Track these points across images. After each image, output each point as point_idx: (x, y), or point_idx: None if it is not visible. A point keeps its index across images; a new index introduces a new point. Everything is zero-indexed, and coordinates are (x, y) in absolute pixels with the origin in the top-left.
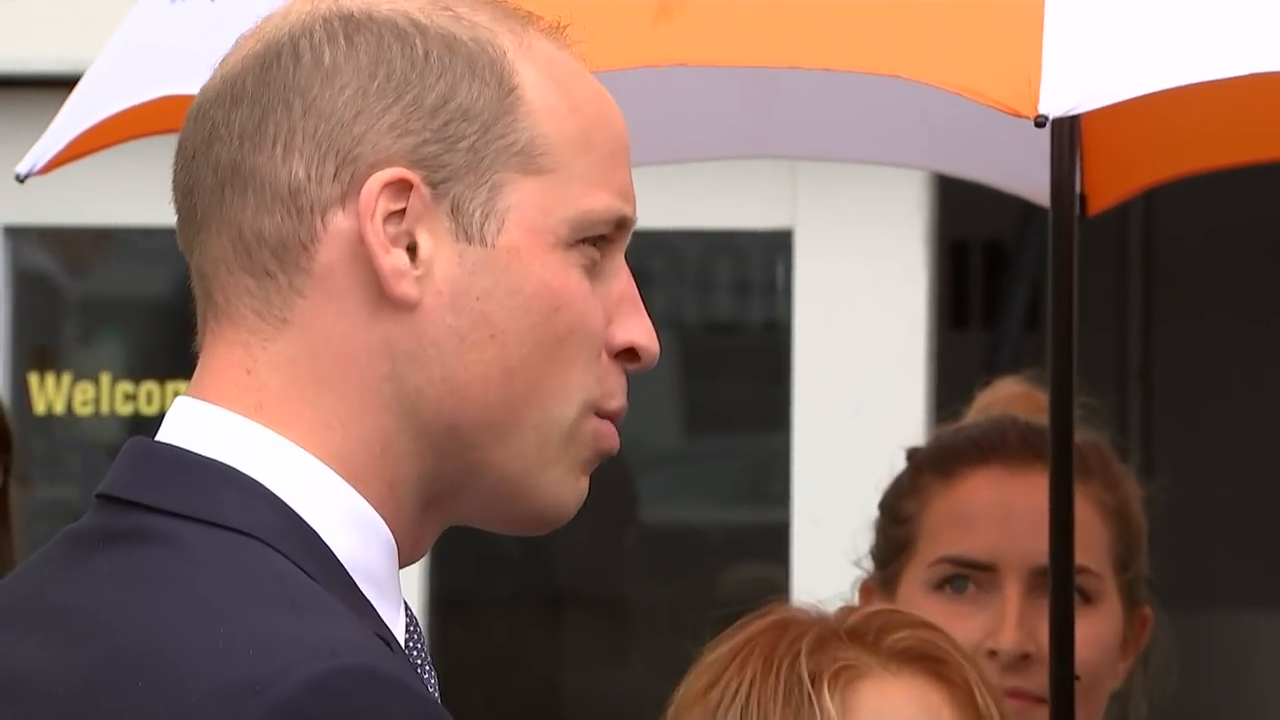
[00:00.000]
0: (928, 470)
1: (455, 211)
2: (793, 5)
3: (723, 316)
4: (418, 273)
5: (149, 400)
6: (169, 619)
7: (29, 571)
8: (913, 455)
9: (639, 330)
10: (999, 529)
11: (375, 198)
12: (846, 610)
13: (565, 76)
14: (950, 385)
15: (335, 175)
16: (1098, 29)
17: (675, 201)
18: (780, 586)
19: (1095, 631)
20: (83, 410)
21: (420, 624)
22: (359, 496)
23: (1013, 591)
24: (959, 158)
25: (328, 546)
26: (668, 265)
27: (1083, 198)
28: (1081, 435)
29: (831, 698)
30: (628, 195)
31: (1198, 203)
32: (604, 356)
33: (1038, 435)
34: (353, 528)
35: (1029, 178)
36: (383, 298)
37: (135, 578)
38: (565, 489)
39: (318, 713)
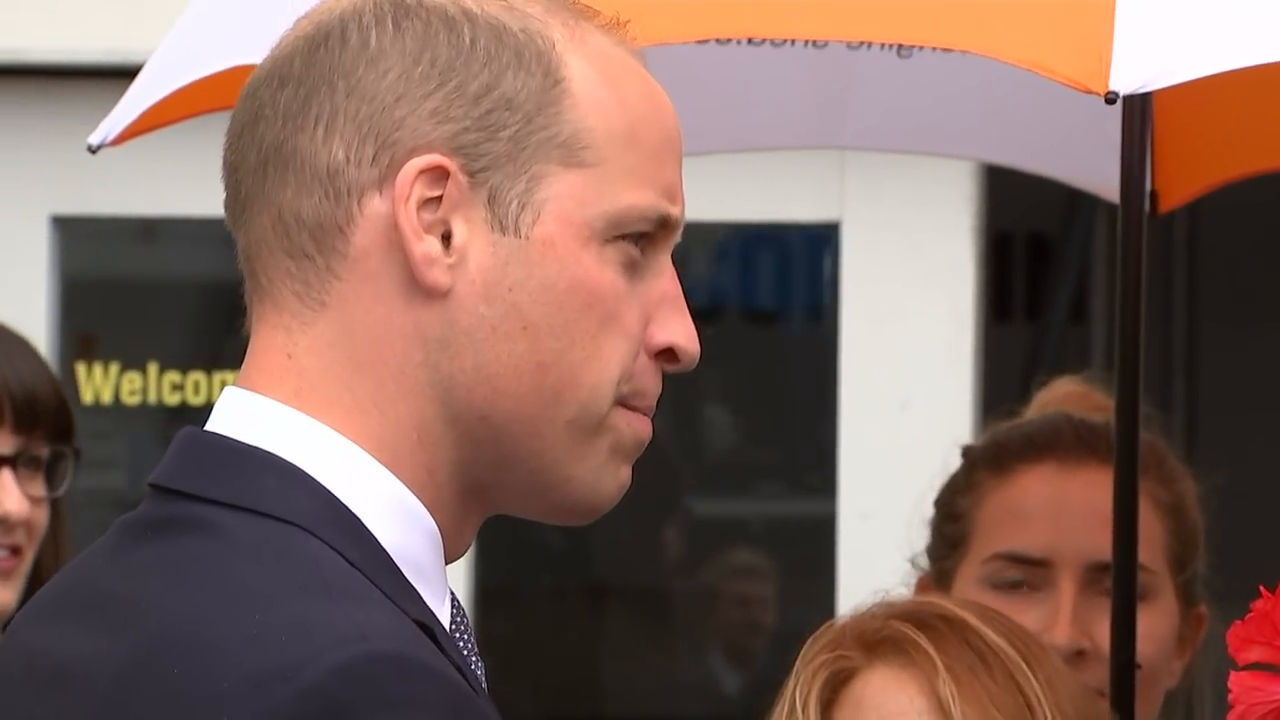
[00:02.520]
0: (982, 467)
1: (492, 201)
2: None
3: (769, 309)
4: (450, 260)
5: (196, 390)
6: (207, 606)
7: (85, 560)
8: (968, 453)
9: (679, 330)
10: (1053, 525)
11: (411, 183)
12: (874, 609)
13: (616, 71)
14: (995, 378)
15: (374, 158)
16: (1170, 6)
17: (722, 194)
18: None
19: (1150, 628)
20: (130, 400)
21: (467, 614)
22: (400, 484)
23: (1067, 587)
24: (1028, 151)
25: (371, 533)
26: (714, 257)
27: (1153, 194)
28: (1148, 440)
29: (814, 703)
30: (674, 194)
31: (1241, 199)
32: (642, 356)
33: (1092, 432)
34: (395, 514)
35: (1099, 172)
36: (415, 284)
37: (177, 566)
38: (602, 481)
39: (346, 698)
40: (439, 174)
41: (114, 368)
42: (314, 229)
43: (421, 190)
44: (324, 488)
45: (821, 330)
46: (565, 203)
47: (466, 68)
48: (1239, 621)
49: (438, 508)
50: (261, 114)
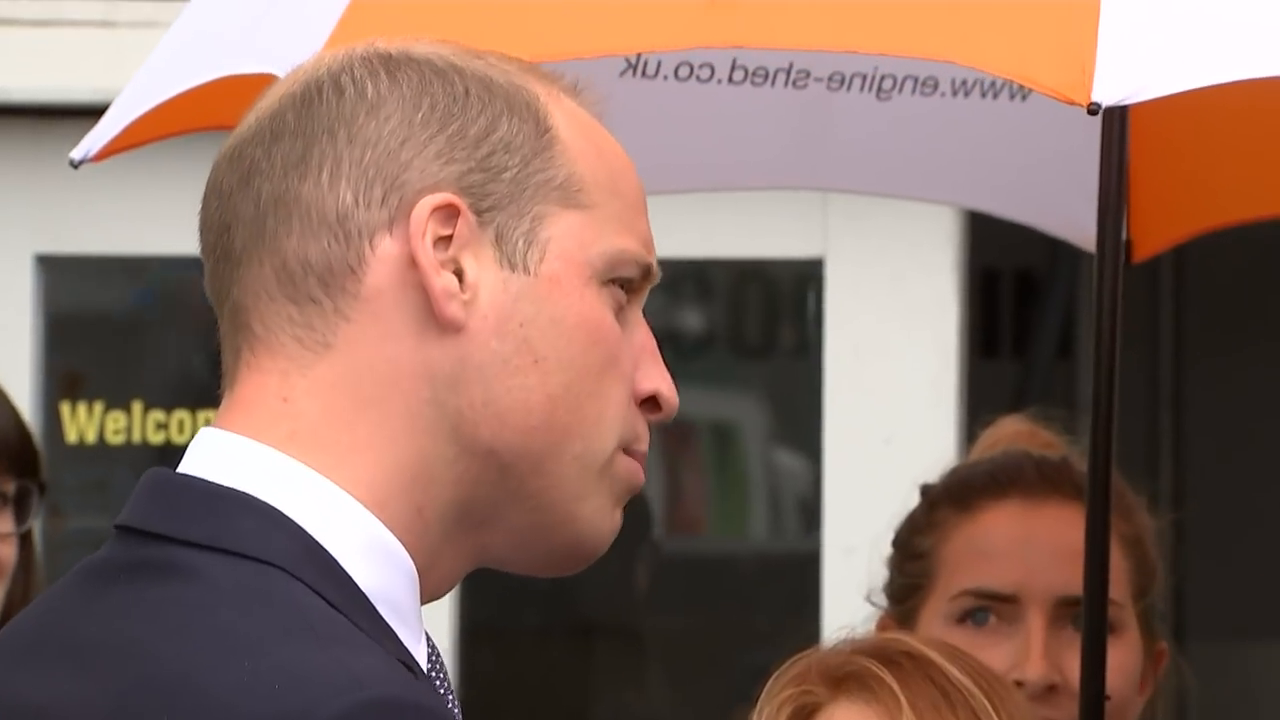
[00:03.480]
0: (945, 505)
1: (499, 239)
2: None
3: (753, 345)
4: (465, 297)
5: (180, 429)
6: (193, 650)
7: (47, 604)
8: (926, 492)
9: (662, 381)
10: (1020, 561)
11: (425, 220)
12: (842, 645)
13: (589, 128)
14: (981, 414)
15: (383, 200)
16: (1154, 19)
17: (706, 231)
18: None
19: (1120, 661)
20: (114, 439)
21: (444, 654)
22: (381, 525)
23: (1036, 623)
24: (1003, 197)
25: (348, 574)
26: (698, 294)
27: (1128, 243)
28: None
29: None
30: (650, 247)
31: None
32: (631, 403)
33: (1054, 468)
34: (374, 556)
35: (1074, 221)
36: (428, 321)
37: (157, 609)
38: (602, 520)
39: None
40: (450, 212)
41: (98, 407)
42: (323, 273)
43: (435, 228)
44: (301, 528)
45: (805, 366)
46: (567, 242)
47: (464, 113)
48: None
49: (421, 547)
50: (256, 169)
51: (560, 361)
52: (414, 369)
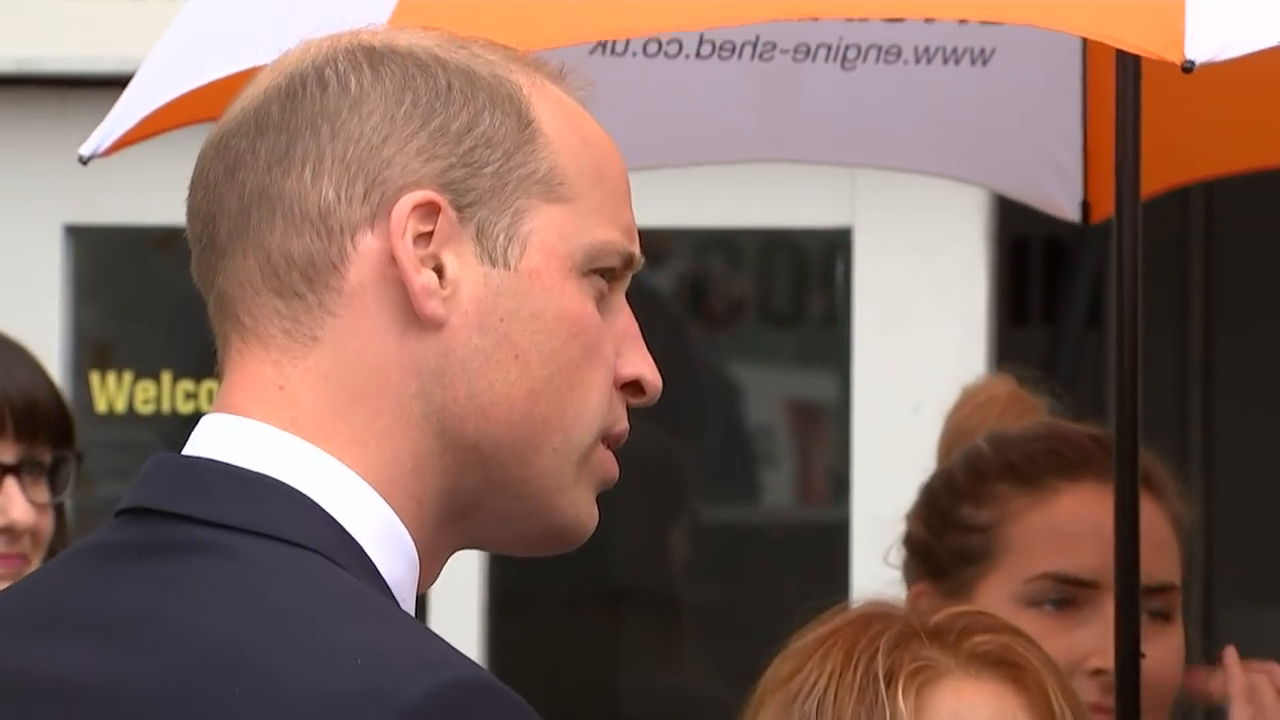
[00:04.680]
0: (1003, 480)
1: (480, 235)
2: None
3: (781, 314)
4: (445, 293)
5: (210, 398)
6: (252, 627)
7: (44, 582)
8: (977, 462)
9: (644, 365)
10: (1102, 546)
11: (406, 218)
12: (932, 608)
13: (573, 116)
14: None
15: (365, 197)
16: None
17: (734, 200)
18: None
19: (1178, 648)
20: (144, 409)
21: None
22: (393, 513)
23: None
24: (965, 162)
25: (371, 559)
26: (726, 264)
27: (1085, 205)
28: (1146, 454)
29: (905, 698)
30: (632, 234)
31: (1259, 202)
32: (612, 387)
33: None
34: (389, 545)
35: (1031, 182)
36: (410, 317)
37: (198, 586)
38: (580, 510)
39: None
40: (430, 209)
41: (128, 376)
42: (305, 268)
43: (415, 225)
44: (328, 513)
45: (834, 335)
46: (548, 235)
47: (446, 108)
48: None
49: (420, 537)
50: (240, 161)
51: (541, 355)
52: (400, 363)
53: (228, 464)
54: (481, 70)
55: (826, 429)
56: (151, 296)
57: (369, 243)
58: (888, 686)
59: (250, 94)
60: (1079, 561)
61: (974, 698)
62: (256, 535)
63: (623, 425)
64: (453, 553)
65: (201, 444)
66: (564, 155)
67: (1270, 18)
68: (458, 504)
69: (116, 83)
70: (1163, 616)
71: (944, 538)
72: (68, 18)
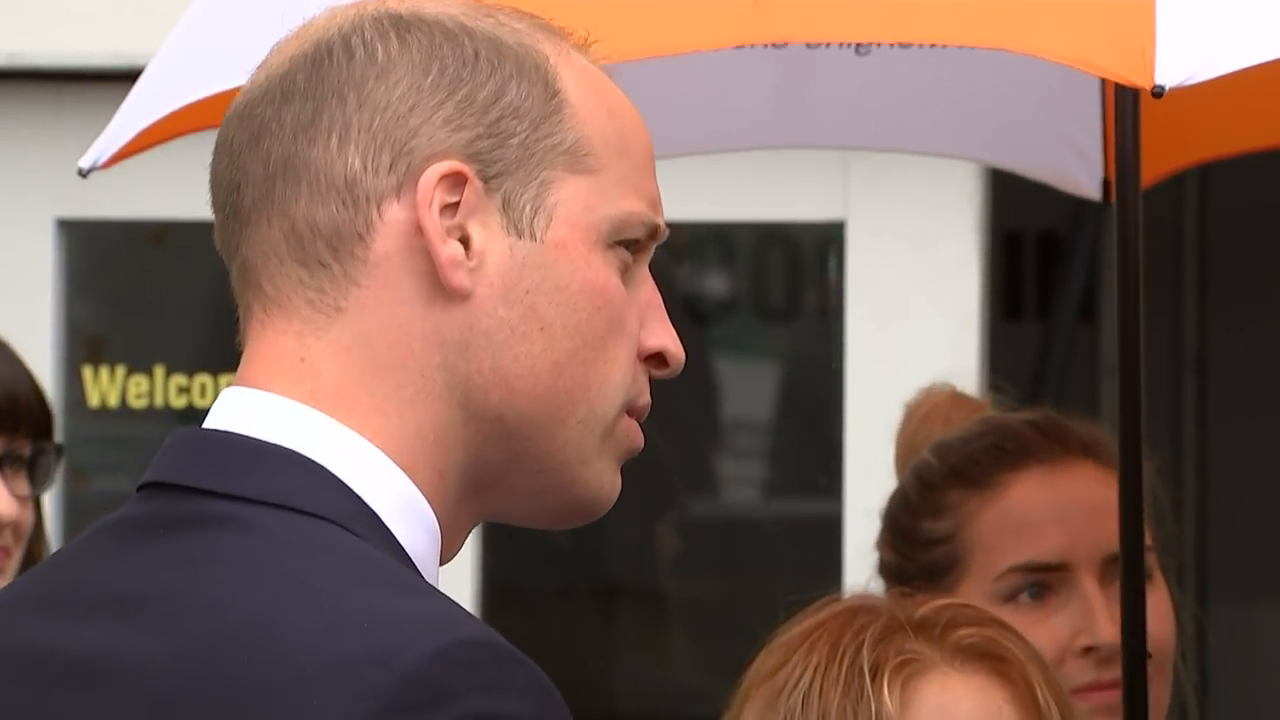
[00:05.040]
0: (953, 487)
1: (506, 206)
2: None
3: (775, 308)
4: (471, 264)
5: (202, 393)
6: (265, 598)
7: (66, 560)
8: (924, 475)
9: (667, 337)
10: (1061, 527)
11: (433, 189)
12: (918, 600)
13: (599, 86)
14: (1004, 377)
15: (391, 166)
16: None
17: (728, 193)
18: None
19: (1164, 607)
20: (136, 403)
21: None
22: (413, 485)
23: (1091, 586)
24: (982, 144)
25: (390, 531)
26: (719, 257)
27: (1105, 183)
28: (1090, 427)
29: (890, 691)
30: (657, 205)
31: (1252, 192)
32: (637, 361)
33: (1053, 427)
34: (409, 517)
35: (1051, 163)
36: (435, 288)
37: (214, 560)
38: (603, 482)
39: (446, 683)
40: (457, 180)
41: (120, 371)
42: (330, 237)
43: (442, 196)
44: (346, 485)
45: (827, 329)
46: (573, 206)
47: (473, 77)
48: None
49: (442, 509)
50: (265, 130)
51: (566, 328)
52: (425, 334)
53: (245, 436)
54: (508, 39)
55: (819, 423)
56: (144, 291)
57: (395, 213)
58: (873, 680)
59: (275, 61)
60: (1040, 548)
61: (959, 691)
62: (272, 507)
63: (646, 397)
64: (475, 525)
65: (220, 417)
66: (590, 126)
67: (1240, 40)
68: (480, 476)
69: (110, 77)
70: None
71: (912, 557)
72: (62, 11)
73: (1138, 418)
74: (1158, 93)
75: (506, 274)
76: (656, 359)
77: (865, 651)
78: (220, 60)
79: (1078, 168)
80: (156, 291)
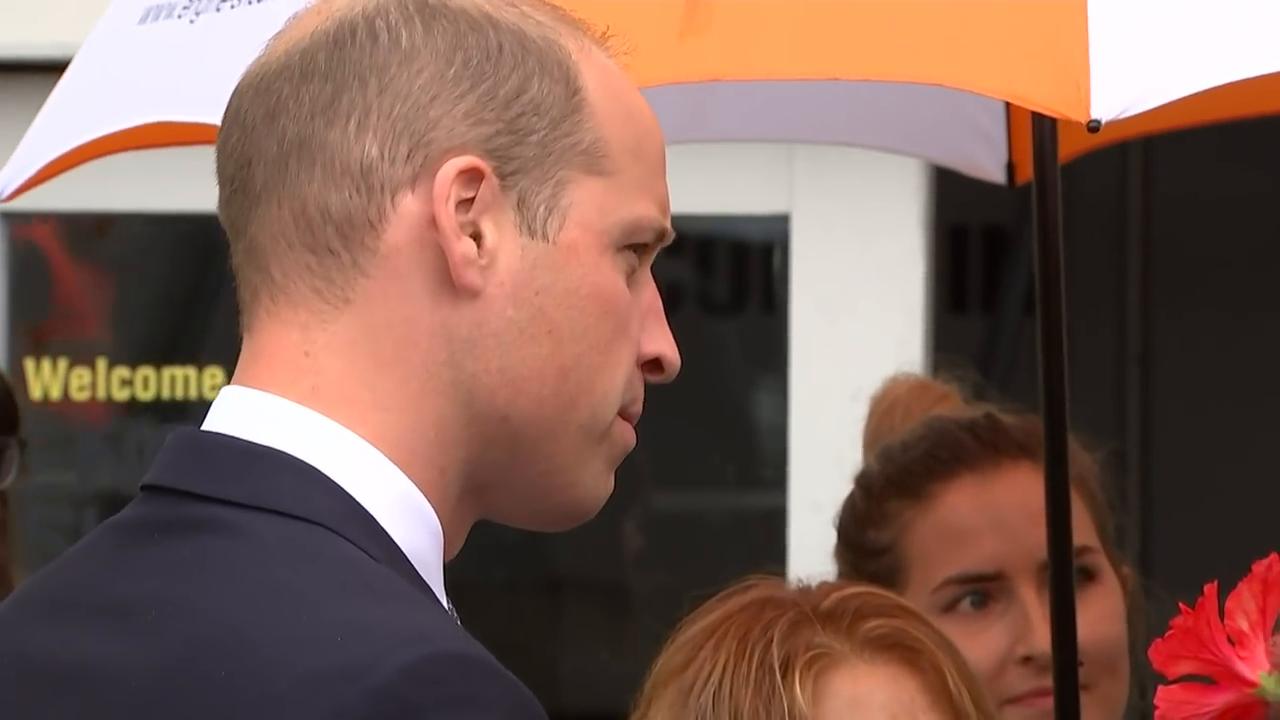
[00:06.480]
0: (892, 497)
1: (521, 205)
2: (827, 14)
3: (719, 301)
4: (483, 262)
5: (145, 385)
6: (245, 607)
7: (72, 564)
8: (867, 483)
9: (666, 343)
10: (994, 536)
11: (450, 183)
12: (824, 590)
13: (618, 85)
14: (948, 370)
15: (408, 157)
16: (1142, 28)
17: (673, 186)
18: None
19: (1111, 606)
20: (79, 395)
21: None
22: (411, 484)
23: (1029, 595)
24: (890, 133)
25: (386, 531)
26: (666, 249)
27: (1010, 166)
28: (1019, 420)
29: (802, 687)
30: (666, 209)
31: (1196, 185)
32: (635, 364)
33: (988, 431)
34: (406, 514)
35: (959, 150)
36: (444, 283)
37: (201, 567)
38: (598, 484)
39: (414, 697)
40: (474, 176)
41: (63, 363)
42: (342, 223)
43: (458, 191)
44: (339, 486)
45: (772, 322)
46: (587, 209)
47: (496, 71)
48: (1159, 639)
49: (443, 507)
50: (282, 107)
51: (574, 332)
52: (432, 330)
53: (238, 439)
54: (532, 32)
55: (764, 416)
56: (87, 283)
57: (409, 204)
58: (784, 677)
59: (294, 35)
60: (974, 558)
61: (870, 683)
62: (262, 511)
63: (639, 403)
64: (474, 523)
65: (218, 418)
66: (608, 127)
67: (1173, 70)
68: (481, 475)
69: (50, 68)
70: (1086, 577)
71: (859, 567)
72: (4, 2)
73: (1062, 419)
74: (1094, 127)
75: (517, 274)
76: (653, 364)
77: (774, 647)
78: (135, 89)
79: (983, 153)
80: (99, 284)
